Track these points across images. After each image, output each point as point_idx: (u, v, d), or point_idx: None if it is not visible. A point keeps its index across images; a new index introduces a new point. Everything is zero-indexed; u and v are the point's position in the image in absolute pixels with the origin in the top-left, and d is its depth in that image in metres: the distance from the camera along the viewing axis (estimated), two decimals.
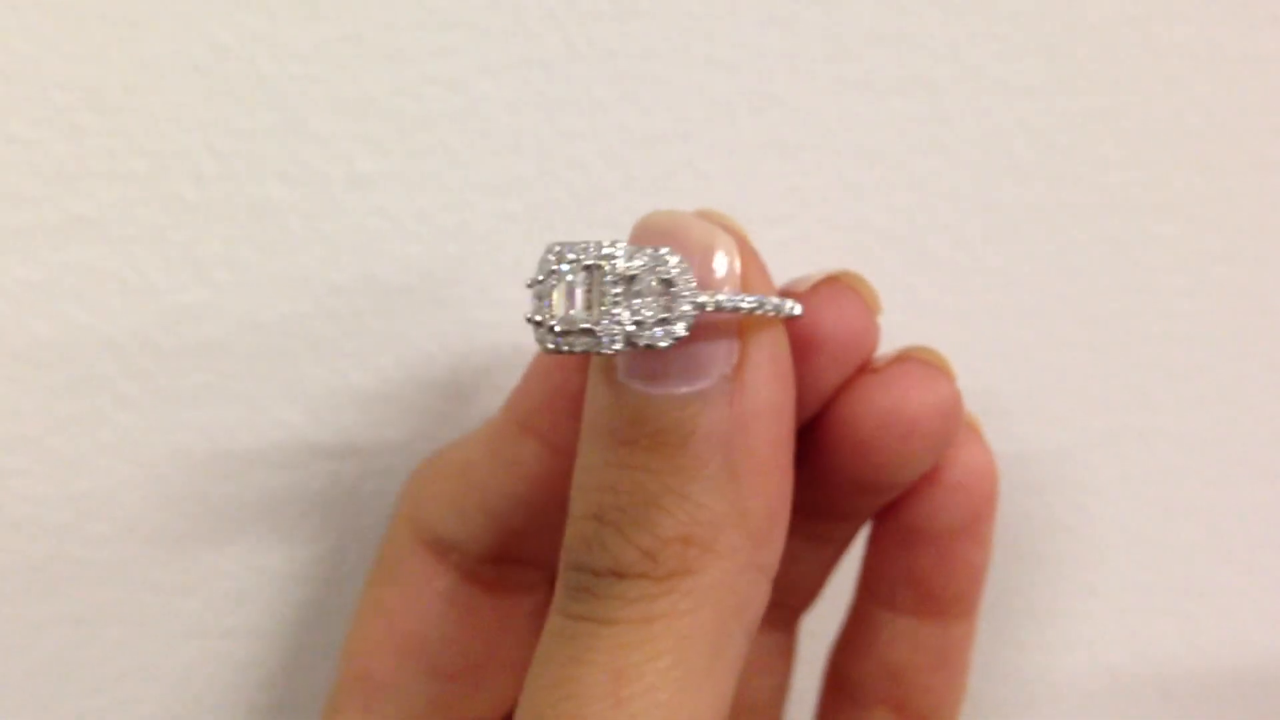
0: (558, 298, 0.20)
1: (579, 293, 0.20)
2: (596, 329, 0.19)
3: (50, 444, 0.29)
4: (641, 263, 0.19)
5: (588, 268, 0.20)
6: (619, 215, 0.31)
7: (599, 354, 0.20)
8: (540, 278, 0.20)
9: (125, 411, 0.29)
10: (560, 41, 0.31)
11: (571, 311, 0.20)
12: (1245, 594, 0.37)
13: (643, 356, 0.20)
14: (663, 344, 0.19)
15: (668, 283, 0.19)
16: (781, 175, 0.32)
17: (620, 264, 0.20)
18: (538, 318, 0.20)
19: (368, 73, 0.30)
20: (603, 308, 0.20)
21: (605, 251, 0.20)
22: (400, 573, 0.26)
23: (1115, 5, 0.33)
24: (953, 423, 0.23)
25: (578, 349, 0.20)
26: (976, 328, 0.34)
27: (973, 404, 0.24)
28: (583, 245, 0.20)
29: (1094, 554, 0.36)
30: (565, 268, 0.20)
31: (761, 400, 0.20)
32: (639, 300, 0.19)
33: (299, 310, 0.30)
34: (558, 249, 0.20)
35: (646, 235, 0.20)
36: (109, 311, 0.29)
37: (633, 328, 0.19)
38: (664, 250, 0.19)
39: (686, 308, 0.19)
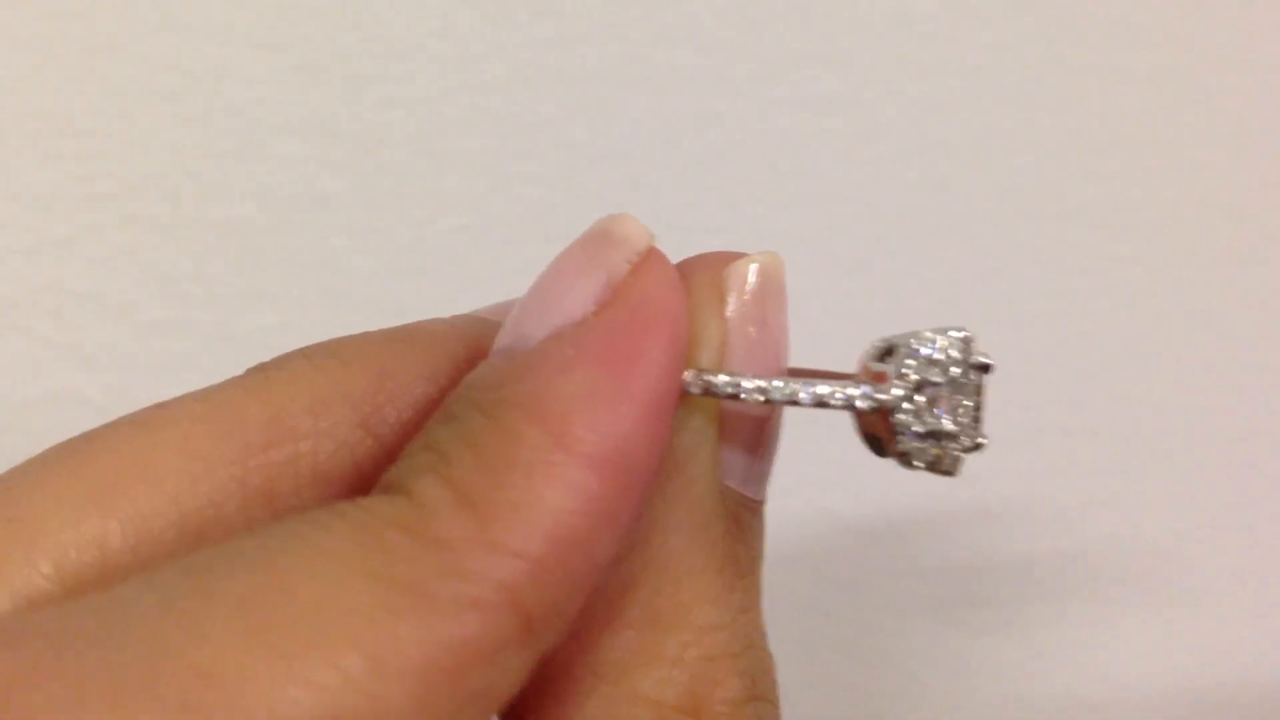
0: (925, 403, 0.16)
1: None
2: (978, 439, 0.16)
3: (26, 458, 0.31)
4: (959, 354, 0.16)
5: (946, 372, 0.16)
6: (569, 227, 0.33)
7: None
8: (912, 382, 0.16)
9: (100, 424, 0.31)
10: (508, 67, 0.32)
11: (975, 425, 0.16)
12: (1238, 610, 0.37)
13: (763, 456, 0.16)
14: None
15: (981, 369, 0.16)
16: (721, 186, 0.34)
17: (976, 355, 0.16)
18: (981, 439, 0.16)
19: (329, 98, 0.32)
20: (971, 415, 0.16)
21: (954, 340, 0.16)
22: None
23: (1032, 27, 0.35)
24: None
25: (955, 473, 0.16)
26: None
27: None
28: (921, 337, 0.16)
29: (1087, 572, 0.37)
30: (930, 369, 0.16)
31: None
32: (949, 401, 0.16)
33: (267, 322, 0.32)
34: (913, 342, 0.16)
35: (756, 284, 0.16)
36: (84, 328, 0.31)
37: (986, 440, 0.16)
38: (967, 334, 0.16)
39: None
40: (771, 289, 0.16)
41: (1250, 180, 0.36)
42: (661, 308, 0.15)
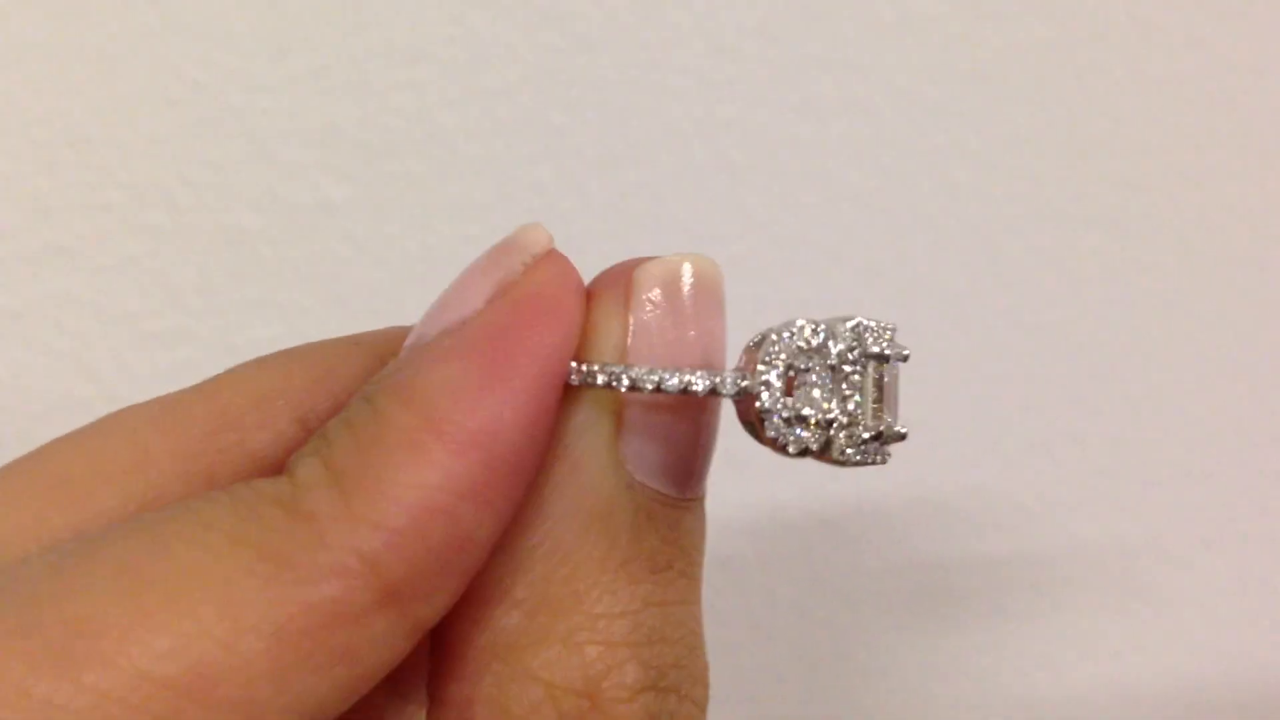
0: (818, 394, 0.15)
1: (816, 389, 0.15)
2: (899, 431, 0.16)
3: None
4: (887, 342, 0.16)
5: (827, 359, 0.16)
6: (577, 236, 0.33)
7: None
8: (779, 365, 0.15)
9: None
10: (517, 73, 0.32)
11: (876, 414, 0.16)
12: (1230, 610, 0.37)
13: (683, 452, 0.16)
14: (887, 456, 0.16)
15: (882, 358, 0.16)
16: (730, 194, 0.33)
17: (873, 345, 0.16)
18: (839, 418, 0.15)
19: (334, 105, 0.31)
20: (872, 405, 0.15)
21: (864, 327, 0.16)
22: None
23: (1036, 31, 0.35)
24: None
25: (876, 462, 0.15)
26: (920, 341, 0.35)
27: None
28: (798, 326, 0.16)
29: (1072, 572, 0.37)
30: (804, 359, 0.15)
31: None
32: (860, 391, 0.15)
33: (270, 334, 0.31)
34: (790, 333, 0.16)
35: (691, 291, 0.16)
36: (86, 338, 0.30)
37: (905, 429, 0.16)
38: (881, 325, 0.16)
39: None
40: (702, 289, 0.16)
41: (1253, 186, 0.36)
42: (544, 301, 0.15)
